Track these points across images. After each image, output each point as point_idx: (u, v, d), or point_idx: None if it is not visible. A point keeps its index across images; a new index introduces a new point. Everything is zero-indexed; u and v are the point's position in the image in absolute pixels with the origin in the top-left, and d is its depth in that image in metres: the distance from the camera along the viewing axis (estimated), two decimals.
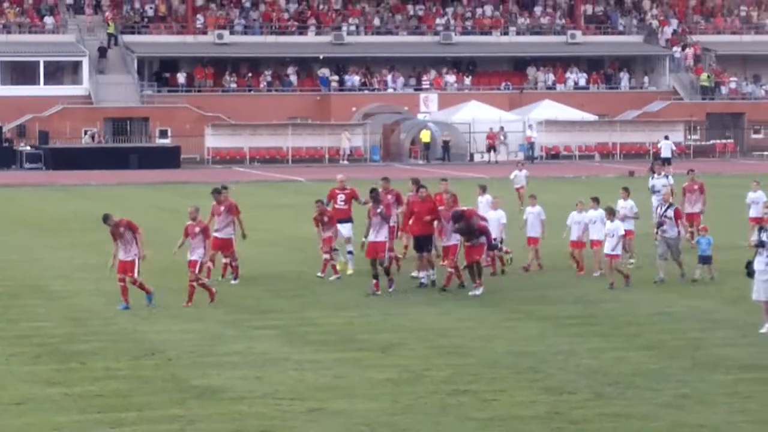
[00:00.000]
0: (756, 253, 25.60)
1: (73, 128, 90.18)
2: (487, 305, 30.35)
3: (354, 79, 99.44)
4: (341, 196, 34.61)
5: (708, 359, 23.99)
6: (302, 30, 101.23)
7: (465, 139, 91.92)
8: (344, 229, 34.22)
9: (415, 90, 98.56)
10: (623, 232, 32.42)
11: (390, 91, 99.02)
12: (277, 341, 26.08)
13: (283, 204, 58.11)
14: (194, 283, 29.65)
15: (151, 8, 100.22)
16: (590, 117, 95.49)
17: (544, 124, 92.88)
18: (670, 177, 41.87)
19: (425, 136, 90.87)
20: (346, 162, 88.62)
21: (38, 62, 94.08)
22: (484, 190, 36.58)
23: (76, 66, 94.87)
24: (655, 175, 41.62)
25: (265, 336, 26.63)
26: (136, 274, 29.07)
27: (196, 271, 29.61)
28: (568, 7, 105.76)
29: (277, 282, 33.91)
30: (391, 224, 32.62)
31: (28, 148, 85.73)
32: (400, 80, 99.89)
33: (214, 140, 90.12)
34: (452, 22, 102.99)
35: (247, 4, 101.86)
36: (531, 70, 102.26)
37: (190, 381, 22.48)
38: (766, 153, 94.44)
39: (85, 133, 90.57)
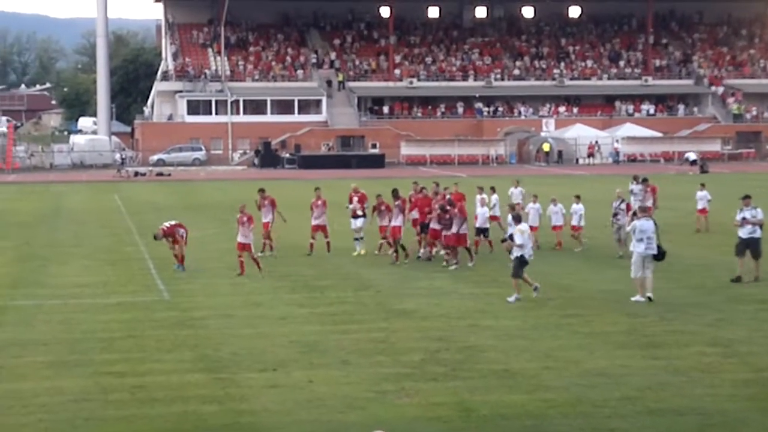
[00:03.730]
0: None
1: (316, 142, 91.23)
2: (582, 259, 30.00)
3: (499, 109, 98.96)
4: (355, 198, 31.46)
5: (736, 295, 23.50)
6: (465, 77, 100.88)
7: (573, 149, 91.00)
8: (358, 221, 31.05)
9: (539, 117, 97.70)
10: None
11: (522, 117, 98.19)
12: (448, 281, 26.12)
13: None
14: (242, 260, 27.02)
15: (366, 64, 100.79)
16: (657, 134, 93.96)
17: (626, 139, 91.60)
18: (644, 183, 36.81)
19: (546, 147, 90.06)
20: (495, 164, 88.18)
21: (294, 100, 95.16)
22: (481, 190, 32.39)
23: (318, 102, 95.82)
24: (634, 182, 36.83)
25: (441, 277, 26.68)
26: (182, 251, 27.64)
27: (252, 250, 27.22)
28: (643, 61, 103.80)
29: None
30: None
31: (288, 155, 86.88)
32: (530, 110, 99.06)
33: (406, 149, 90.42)
34: (564, 71, 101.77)
35: (429, 61, 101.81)
36: (617, 103, 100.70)
37: (392, 305, 22.64)
38: None
39: (324, 146, 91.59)
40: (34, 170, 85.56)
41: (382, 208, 29.93)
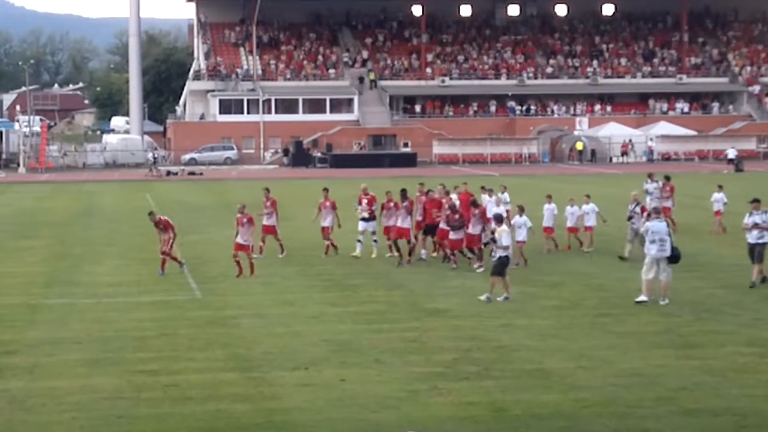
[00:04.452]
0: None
1: (348, 141, 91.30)
2: (616, 258, 29.80)
3: (532, 108, 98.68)
4: (365, 200, 30.17)
5: None
6: (497, 76, 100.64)
7: (606, 147, 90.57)
8: (369, 225, 29.99)
9: (572, 115, 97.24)
10: (530, 224, 28.23)
11: (555, 116, 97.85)
12: (480, 280, 25.93)
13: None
14: (238, 260, 26.59)
15: (398, 63, 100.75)
16: (692, 132, 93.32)
17: (660, 137, 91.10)
18: (659, 182, 35.96)
19: (579, 146, 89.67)
20: (527, 163, 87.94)
21: (326, 99, 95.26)
22: (491, 192, 32.28)
23: (350, 101, 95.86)
24: (649, 180, 35.71)
25: (474, 276, 26.60)
26: (168, 249, 27.13)
27: (250, 250, 26.88)
28: (677, 59, 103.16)
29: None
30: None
31: (319, 154, 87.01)
32: (563, 108, 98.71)
33: (438, 148, 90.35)
34: (598, 69, 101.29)
35: (461, 59, 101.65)
36: (651, 101, 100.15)
37: (424, 305, 22.63)
38: None
39: (356, 145, 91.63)
40: (67, 169, 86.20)
41: (391, 205, 29.29)
